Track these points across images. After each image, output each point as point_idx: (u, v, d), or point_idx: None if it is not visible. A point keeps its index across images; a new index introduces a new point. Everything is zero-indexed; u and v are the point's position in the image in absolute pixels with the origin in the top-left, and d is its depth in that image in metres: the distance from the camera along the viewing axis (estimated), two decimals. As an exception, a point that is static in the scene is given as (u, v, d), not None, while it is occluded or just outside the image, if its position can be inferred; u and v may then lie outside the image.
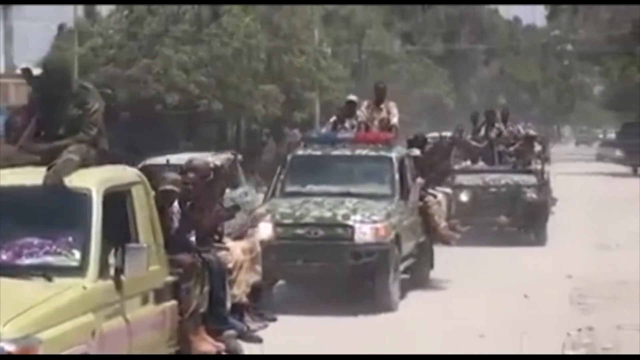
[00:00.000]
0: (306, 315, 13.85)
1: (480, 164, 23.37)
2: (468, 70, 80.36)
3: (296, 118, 45.27)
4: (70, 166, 8.91)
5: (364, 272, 14.37)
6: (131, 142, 19.26)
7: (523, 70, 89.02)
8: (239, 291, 10.81)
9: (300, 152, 16.18)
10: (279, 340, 11.66)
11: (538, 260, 19.73)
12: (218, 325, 10.13)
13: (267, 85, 43.02)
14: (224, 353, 10.04)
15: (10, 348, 7.56)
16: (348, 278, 14.48)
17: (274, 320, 12.02)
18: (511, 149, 23.63)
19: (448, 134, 27.81)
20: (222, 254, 10.67)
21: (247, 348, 10.68)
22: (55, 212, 8.80)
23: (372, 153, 15.90)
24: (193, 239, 10.42)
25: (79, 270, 8.54)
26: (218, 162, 12.55)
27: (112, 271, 8.76)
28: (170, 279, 9.62)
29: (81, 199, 8.79)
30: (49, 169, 8.84)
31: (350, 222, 14.43)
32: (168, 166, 14.33)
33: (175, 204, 10.11)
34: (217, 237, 11.09)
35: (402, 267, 15.28)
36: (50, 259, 8.57)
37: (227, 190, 12.90)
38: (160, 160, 15.44)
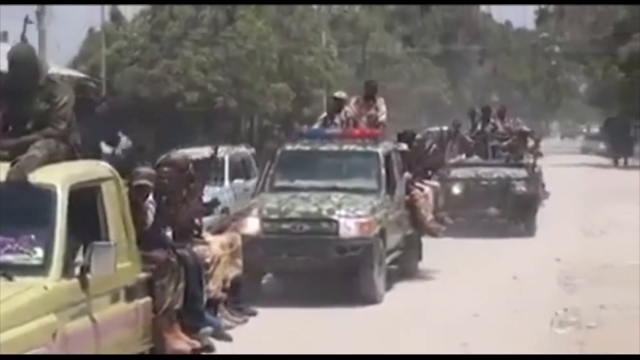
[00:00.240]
0: (293, 307, 12.71)
1: (475, 158, 22.18)
2: (463, 70, 79.85)
3: (305, 114, 44.57)
4: (35, 162, 7.75)
5: (348, 266, 13.16)
6: (141, 142, 18.15)
7: (514, 70, 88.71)
8: (214, 286, 9.61)
9: (289, 147, 14.95)
10: (263, 331, 10.65)
11: (527, 246, 19.03)
12: (194, 322, 8.93)
13: (279, 83, 42.62)
14: (199, 350, 8.85)
15: (-36, 350, 6.48)
16: (333, 271, 13.26)
17: (254, 314, 10.87)
18: (505, 143, 22.43)
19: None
20: (200, 248, 9.47)
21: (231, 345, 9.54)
22: (19, 209, 7.62)
23: (359, 148, 14.70)
24: (170, 234, 9.21)
25: (42, 269, 7.41)
26: (199, 157, 11.30)
27: (78, 270, 7.62)
28: (143, 275, 8.47)
29: (45, 195, 7.64)
30: (12, 165, 7.69)
31: (335, 217, 13.27)
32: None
33: (151, 198, 8.90)
34: (196, 232, 9.87)
35: (388, 259, 14.12)
36: (11, 258, 7.43)
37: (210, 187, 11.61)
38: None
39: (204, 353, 9.07)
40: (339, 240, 13.10)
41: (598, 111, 76.15)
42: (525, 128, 25.71)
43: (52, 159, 7.98)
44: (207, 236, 9.96)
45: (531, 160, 22.95)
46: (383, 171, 14.32)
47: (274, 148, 14.89)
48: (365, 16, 59.50)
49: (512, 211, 20.92)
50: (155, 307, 8.50)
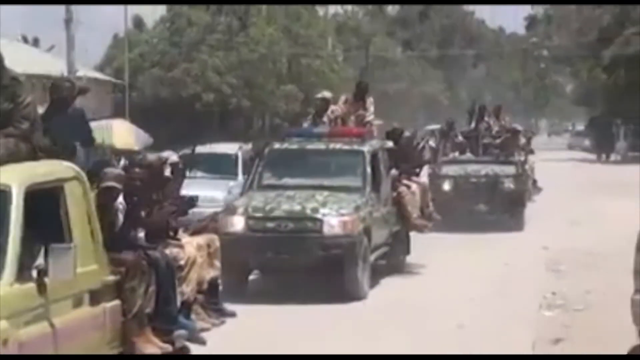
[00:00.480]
0: (278, 304, 11.64)
1: (468, 155, 20.93)
2: (459, 72, 79.19)
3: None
4: (-9, 162, 6.69)
5: (332, 263, 12.01)
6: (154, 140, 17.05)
7: (506, 72, 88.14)
8: (188, 289, 8.47)
9: (276, 145, 13.80)
10: (249, 327, 9.74)
11: (516, 238, 18.16)
12: (167, 325, 7.78)
13: (288, 85, 42.28)
14: (171, 354, 7.75)
15: None
16: (317, 269, 12.12)
17: (233, 315, 9.77)
18: (497, 141, 21.18)
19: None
20: (174, 250, 8.36)
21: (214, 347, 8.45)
22: (-28, 212, 6.58)
23: (345, 147, 13.51)
24: (142, 235, 8.10)
25: (-6, 274, 6.35)
26: (175, 158, 10.18)
27: (35, 273, 6.55)
28: (111, 278, 7.38)
29: (0, 196, 6.58)
30: (-34, 165, 6.64)
31: (319, 216, 12.14)
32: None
33: (121, 199, 7.80)
34: (171, 233, 8.74)
35: (374, 255, 12.99)
36: (-39, 262, 6.37)
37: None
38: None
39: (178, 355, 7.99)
40: (322, 238, 12.01)
41: (583, 110, 75.16)
42: (518, 127, 24.55)
43: (11, 158, 6.92)
44: (184, 237, 8.86)
45: (522, 158, 21.69)
46: (368, 169, 13.18)
47: (262, 146, 13.75)
48: (368, 22, 59.36)
49: (500, 207, 19.68)
50: (124, 311, 7.43)
